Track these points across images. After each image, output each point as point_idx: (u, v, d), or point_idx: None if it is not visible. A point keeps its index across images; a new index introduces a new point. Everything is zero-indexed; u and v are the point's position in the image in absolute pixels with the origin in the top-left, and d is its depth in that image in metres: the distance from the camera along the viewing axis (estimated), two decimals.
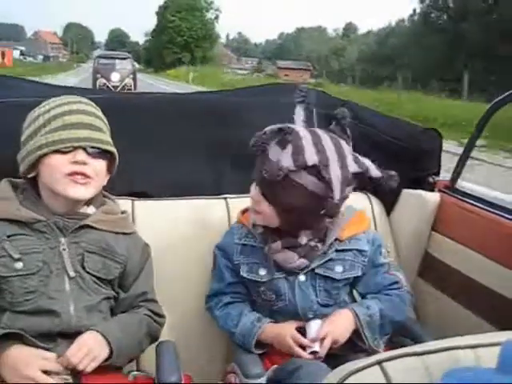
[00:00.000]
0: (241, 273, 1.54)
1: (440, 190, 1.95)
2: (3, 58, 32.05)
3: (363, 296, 1.57)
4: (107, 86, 18.90)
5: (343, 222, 1.51)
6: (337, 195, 1.36)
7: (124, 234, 1.48)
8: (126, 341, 1.40)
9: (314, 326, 1.47)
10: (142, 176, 1.75)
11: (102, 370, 1.36)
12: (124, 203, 1.65)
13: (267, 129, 1.39)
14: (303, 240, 1.46)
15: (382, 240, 1.62)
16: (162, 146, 1.79)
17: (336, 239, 1.50)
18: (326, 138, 1.39)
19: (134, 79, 20.74)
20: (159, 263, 1.59)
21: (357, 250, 1.52)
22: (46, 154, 1.36)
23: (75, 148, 1.36)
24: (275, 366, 1.47)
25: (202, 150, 1.85)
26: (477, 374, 0.68)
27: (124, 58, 21.79)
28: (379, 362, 0.74)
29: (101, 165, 1.41)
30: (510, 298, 1.59)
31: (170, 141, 1.82)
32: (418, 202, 1.92)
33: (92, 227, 1.42)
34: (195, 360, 1.67)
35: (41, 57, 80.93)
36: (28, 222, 1.37)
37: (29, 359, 1.29)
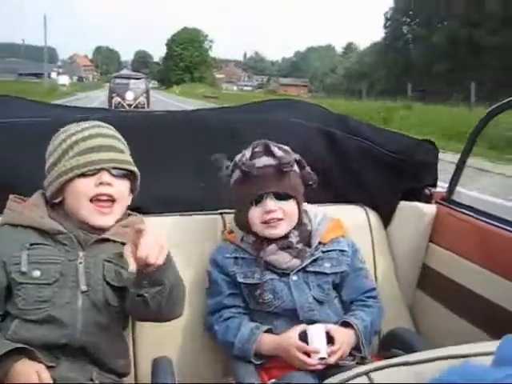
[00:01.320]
0: (237, 279, 1.45)
1: (437, 202, 1.75)
2: None
3: (347, 303, 1.49)
4: (122, 105, 18.45)
5: (323, 228, 1.50)
6: (310, 173, 1.47)
7: None
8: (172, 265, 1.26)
9: (315, 332, 1.35)
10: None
11: None
12: None
13: (246, 152, 1.43)
14: (293, 240, 1.44)
15: (358, 247, 1.56)
16: (157, 162, 1.61)
17: (320, 243, 1.48)
18: None
19: (147, 98, 19.93)
20: None
21: (339, 250, 1.50)
22: (71, 179, 1.28)
23: (99, 170, 1.28)
24: (273, 380, 1.34)
25: (195, 165, 1.66)
26: (473, 370, 0.62)
27: (138, 78, 21.00)
28: (366, 373, 0.70)
29: (124, 185, 1.34)
30: (508, 309, 1.41)
31: (165, 156, 1.64)
32: (415, 214, 1.73)
33: (110, 240, 1.33)
34: (192, 376, 1.49)
35: (75, 77, 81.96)
36: (51, 232, 1.28)
37: (28, 375, 1.15)
